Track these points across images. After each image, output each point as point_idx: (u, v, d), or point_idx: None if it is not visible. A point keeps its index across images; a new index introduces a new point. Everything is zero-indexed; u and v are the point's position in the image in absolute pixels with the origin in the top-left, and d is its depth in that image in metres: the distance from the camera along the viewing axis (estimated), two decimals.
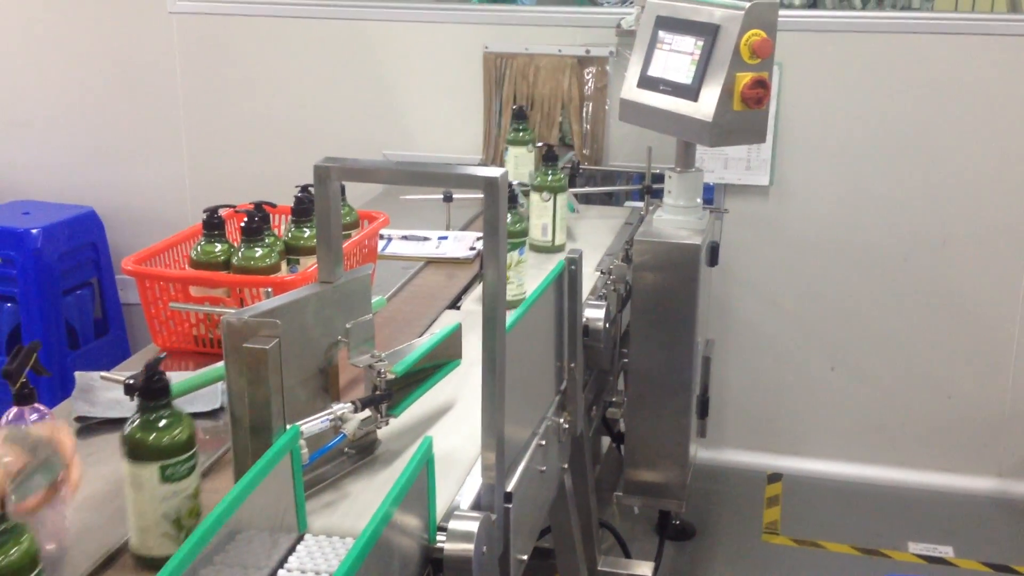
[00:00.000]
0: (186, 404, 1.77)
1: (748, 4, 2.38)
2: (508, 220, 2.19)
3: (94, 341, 3.91)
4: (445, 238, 2.79)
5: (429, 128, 3.66)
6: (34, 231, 3.65)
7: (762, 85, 2.41)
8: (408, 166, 1.88)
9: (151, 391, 1.34)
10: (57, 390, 3.37)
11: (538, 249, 2.63)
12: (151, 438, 1.33)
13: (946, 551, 3.23)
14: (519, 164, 2.93)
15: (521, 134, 3.00)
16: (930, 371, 3.51)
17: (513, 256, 2.28)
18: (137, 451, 1.33)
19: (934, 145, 3.34)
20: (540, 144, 2.99)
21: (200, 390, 1.73)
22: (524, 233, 2.35)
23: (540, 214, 2.63)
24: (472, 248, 2.68)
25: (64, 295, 3.77)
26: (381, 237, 2.70)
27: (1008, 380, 3.47)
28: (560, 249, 2.65)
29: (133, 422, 1.34)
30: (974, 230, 3.37)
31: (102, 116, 3.92)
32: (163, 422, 1.33)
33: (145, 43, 3.81)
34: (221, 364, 1.58)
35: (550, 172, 2.61)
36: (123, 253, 2.58)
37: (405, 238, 2.77)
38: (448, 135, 3.64)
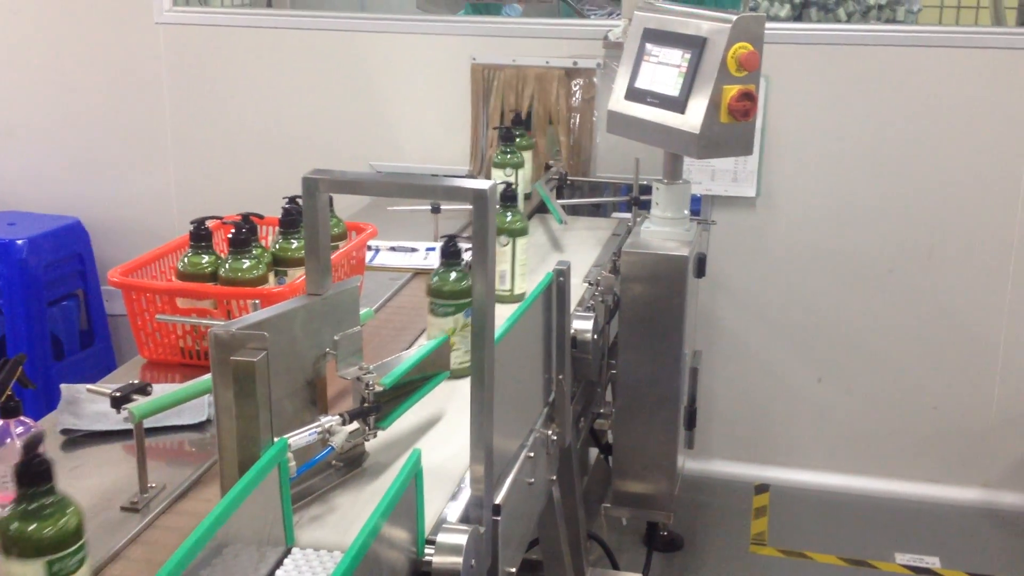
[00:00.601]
0: (173, 416, 1.77)
1: (735, 17, 2.39)
2: (452, 277, 1.98)
3: (79, 352, 3.89)
4: (433, 249, 2.78)
5: (416, 139, 3.66)
6: (19, 242, 3.63)
7: (749, 97, 2.41)
8: (397, 178, 1.88)
9: (31, 475, 1.11)
10: (42, 402, 3.35)
11: (496, 300, 2.36)
12: (32, 529, 1.11)
13: (933, 562, 3.24)
14: None
15: (509, 156, 2.92)
16: (916, 382, 3.52)
17: (458, 319, 1.96)
18: (19, 546, 1.11)
19: (920, 157, 3.35)
20: (500, 182, 2.74)
21: (187, 403, 1.72)
22: (470, 293, 1.96)
23: (497, 260, 2.28)
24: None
25: (49, 306, 3.75)
26: (369, 248, 2.70)
27: (994, 391, 3.48)
28: (519, 299, 2.34)
29: (9, 511, 1.12)
30: (960, 241, 3.38)
31: (88, 126, 3.91)
32: (47, 510, 1.12)
33: (132, 53, 3.80)
34: (208, 376, 1.58)
35: (509, 213, 2.35)
36: (109, 264, 2.58)
37: (393, 249, 2.77)
38: (435, 146, 3.64)
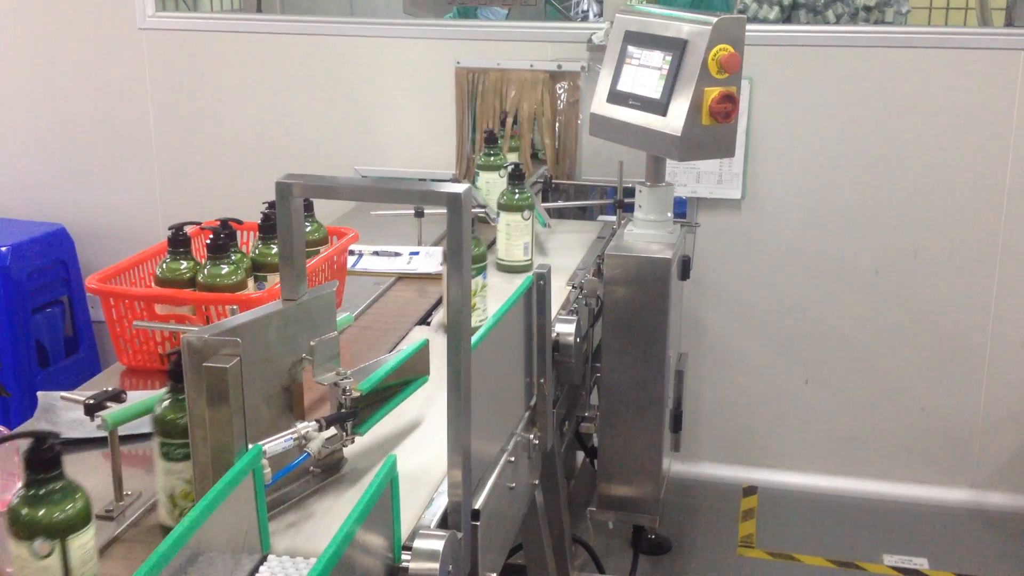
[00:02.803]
0: (148, 424, 1.75)
1: (715, 19, 2.39)
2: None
3: (64, 359, 3.87)
4: (416, 253, 2.78)
5: (402, 144, 3.65)
6: (3, 249, 3.61)
7: (730, 100, 2.41)
8: (371, 182, 1.88)
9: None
10: (26, 409, 3.32)
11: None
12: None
13: (921, 563, 3.24)
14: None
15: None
16: (903, 383, 3.52)
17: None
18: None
19: (906, 157, 3.35)
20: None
21: None
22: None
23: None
24: (443, 263, 2.67)
25: (34, 313, 3.73)
26: (352, 253, 2.69)
27: (980, 391, 3.48)
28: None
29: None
30: (945, 242, 3.38)
31: (72, 133, 3.89)
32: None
33: (115, 59, 3.78)
34: None
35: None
36: (93, 271, 2.55)
37: (376, 253, 2.76)
38: (421, 150, 3.63)
